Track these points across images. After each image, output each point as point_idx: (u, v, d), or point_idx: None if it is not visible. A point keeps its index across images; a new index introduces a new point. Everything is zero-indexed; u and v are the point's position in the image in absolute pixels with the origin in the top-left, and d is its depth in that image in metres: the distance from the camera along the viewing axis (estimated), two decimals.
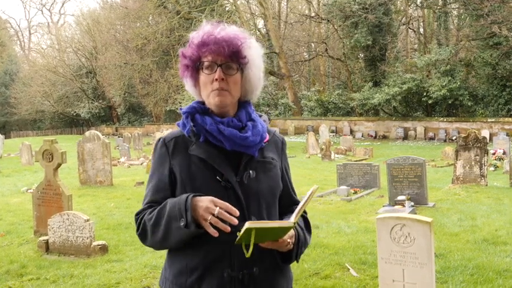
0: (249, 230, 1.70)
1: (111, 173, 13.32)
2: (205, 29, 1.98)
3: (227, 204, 1.78)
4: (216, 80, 1.92)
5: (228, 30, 1.96)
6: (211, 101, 1.95)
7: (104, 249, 6.51)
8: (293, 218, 1.77)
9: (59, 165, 7.64)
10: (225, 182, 1.92)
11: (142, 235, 1.98)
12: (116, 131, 48.28)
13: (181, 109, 2.04)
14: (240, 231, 1.72)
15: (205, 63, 1.95)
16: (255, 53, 2.00)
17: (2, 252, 6.78)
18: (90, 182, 13.13)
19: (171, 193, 1.99)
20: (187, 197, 1.83)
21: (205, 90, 1.97)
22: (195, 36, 2.00)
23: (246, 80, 2.00)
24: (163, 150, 2.02)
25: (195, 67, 1.99)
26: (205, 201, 1.80)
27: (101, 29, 49.69)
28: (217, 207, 1.76)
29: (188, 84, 2.05)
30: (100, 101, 51.80)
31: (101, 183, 13.01)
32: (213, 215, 1.76)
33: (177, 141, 2.02)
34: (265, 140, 2.04)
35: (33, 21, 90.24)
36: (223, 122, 1.95)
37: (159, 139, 2.06)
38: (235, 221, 1.75)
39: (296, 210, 1.82)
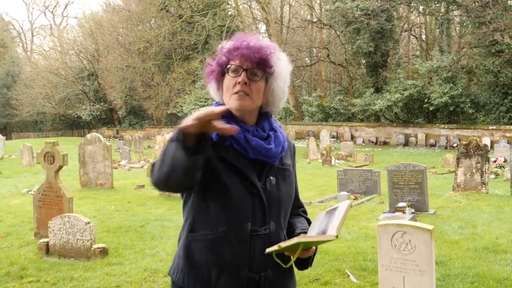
0: (297, 244, 1.82)
1: (112, 175, 13.32)
2: (238, 36, 2.02)
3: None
4: (239, 83, 1.95)
5: (260, 40, 2.00)
6: (232, 104, 1.97)
7: (104, 252, 6.51)
8: (335, 231, 1.81)
9: (60, 167, 7.64)
10: (251, 187, 1.96)
11: (151, 168, 1.86)
12: (117, 133, 48.32)
13: None
14: (273, 243, 1.89)
15: (232, 67, 1.98)
16: (282, 65, 2.03)
17: (2, 254, 6.78)
18: (91, 184, 13.13)
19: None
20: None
21: (227, 93, 1.99)
22: (228, 42, 2.03)
23: (270, 90, 2.03)
24: None
25: (221, 71, 2.02)
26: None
27: (103, 32, 49.80)
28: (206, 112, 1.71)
29: (212, 88, 2.07)
30: (101, 104, 51.88)
31: (102, 186, 13.01)
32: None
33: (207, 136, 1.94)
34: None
35: (35, 23, 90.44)
36: (249, 131, 1.97)
37: None
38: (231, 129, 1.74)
39: (337, 223, 1.85)
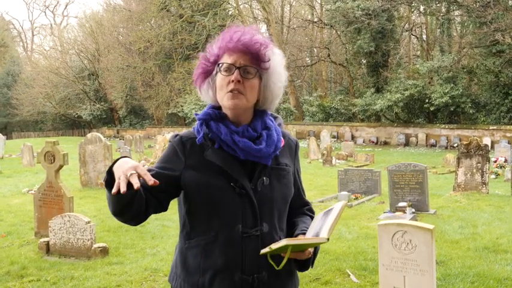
0: (286, 246, 1.78)
1: None
2: (229, 32, 1.97)
3: (148, 174, 1.75)
4: (232, 81, 1.91)
5: (252, 35, 1.94)
6: (225, 103, 1.94)
7: (104, 251, 6.51)
8: (326, 234, 1.78)
9: (61, 167, 7.64)
10: (239, 188, 1.93)
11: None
12: (118, 133, 48.30)
13: (196, 115, 2.03)
14: (267, 244, 1.87)
15: (224, 65, 1.94)
16: (277, 60, 1.99)
17: (3, 253, 6.78)
18: (91, 184, 13.14)
19: (168, 187, 1.95)
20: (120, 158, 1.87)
21: (220, 92, 1.96)
22: (218, 39, 1.99)
23: (266, 87, 1.99)
24: (180, 148, 1.99)
25: (212, 70, 1.99)
26: (129, 163, 1.77)
27: (103, 31, 49.81)
28: (135, 172, 1.73)
29: (204, 88, 2.04)
30: (102, 103, 51.86)
31: (102, 186, 12.98)
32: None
33: (194, 142, 1.99)
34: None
35: (36, 22, 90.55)
36: (238, 132, 1.94)
37: (176, 135, 2.04)
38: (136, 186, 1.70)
39: (328, 225, 1.82)
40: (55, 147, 7.63)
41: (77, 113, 52.30)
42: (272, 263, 1.89)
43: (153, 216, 7.57)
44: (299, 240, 1.84)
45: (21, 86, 52.74)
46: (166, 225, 8.33)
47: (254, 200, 1.94)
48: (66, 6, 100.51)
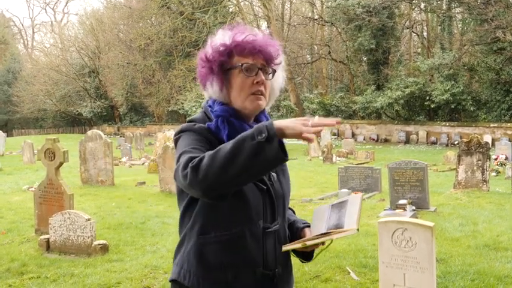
0: (325, 240, 1.90)
1: (113, 172, 13.31)
2: (240, 34, 1.94)
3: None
4: (257, 83, 1.92)
5: (263, 36, 1.96)
6: (248, 104, 1.94)
7: (104, 248, 6.51)
8: (356, 225, 1.84)
9: (61, 164, 7.63)
10: (261, 184, 1.94)
11: (194, 171, 1.71)
12: (118, 130, 48.30)
13: (211, 111, 1.98)
14: (295, 241, 2.00)
15: (245, 65, 1.92)
16: (283, 62, 2.03)
17: (3, 251, 6.78)
18: (92, 181, 13.13)
19: None
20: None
21: (242, 93, 1.94)
22: (224, 35, 1.97)
23: (272, 87, 2.02)
24: (205, 134, 1.91)
25: (226, 68, 1.95)
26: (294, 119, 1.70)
27: (104, 29, 49.79)
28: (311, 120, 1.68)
29: (213, 86, 1.98)
30: (102, 101, 51.87)
31: (102, 183, 13.00)
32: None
33: (209, 133, 1.93)
34: None
35: (36, 19, 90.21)
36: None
37: (191, 123, 1.98)
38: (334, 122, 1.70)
39: (355, 217, 1.87)
40: (55, 145, 7.63)
41: (77, 111, 52.33)
42: (299, 258, 2.07)
43: (153, 213, 7.59)
44: (339, 233, 1.87)
45: (22, 84, 52.72)
46: (167, 223, 8.33)
47: (274, 195, 1.97)
48: (67, 3, 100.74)
